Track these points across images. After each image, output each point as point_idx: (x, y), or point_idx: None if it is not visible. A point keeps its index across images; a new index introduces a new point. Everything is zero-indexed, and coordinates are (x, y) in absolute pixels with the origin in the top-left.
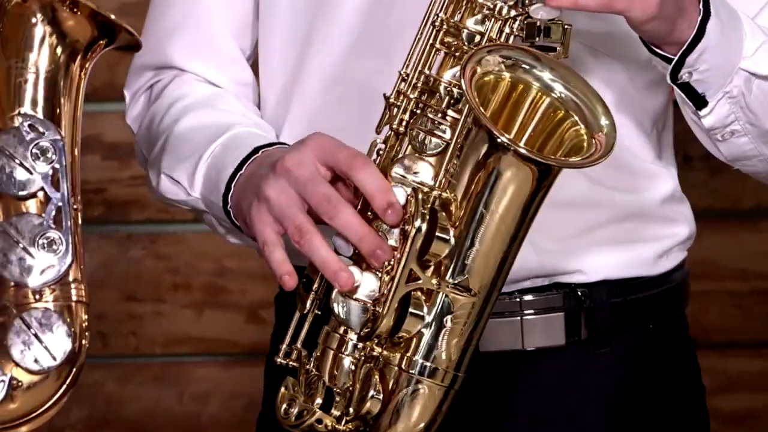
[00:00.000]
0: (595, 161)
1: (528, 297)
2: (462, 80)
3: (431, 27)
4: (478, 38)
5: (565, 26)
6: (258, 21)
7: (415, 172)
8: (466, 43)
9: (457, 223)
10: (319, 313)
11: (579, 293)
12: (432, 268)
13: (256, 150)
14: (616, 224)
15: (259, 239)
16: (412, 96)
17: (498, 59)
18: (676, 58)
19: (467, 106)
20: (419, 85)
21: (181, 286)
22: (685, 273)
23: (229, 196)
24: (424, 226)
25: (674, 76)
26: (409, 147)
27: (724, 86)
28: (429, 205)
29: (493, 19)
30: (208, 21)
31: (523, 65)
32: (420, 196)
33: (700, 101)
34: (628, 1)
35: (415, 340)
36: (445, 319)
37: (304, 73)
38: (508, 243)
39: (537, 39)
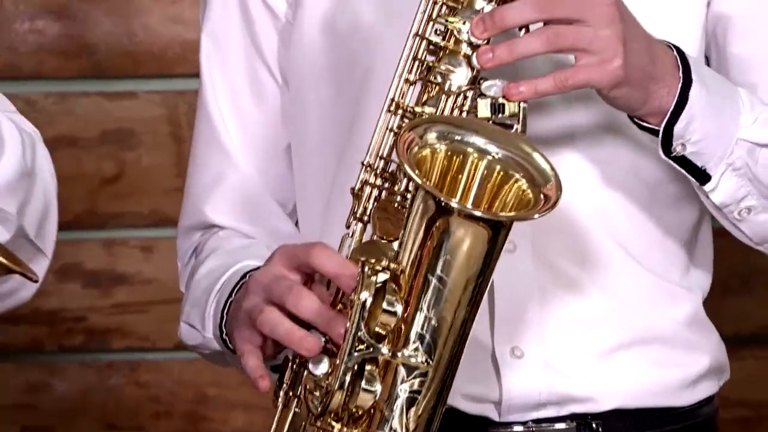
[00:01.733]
0: (542, 213)
1: (540, 426)
2: (397, 153)
3: (389, 113)
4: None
5: (522, 105)
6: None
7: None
8: None
9: (409, 293)
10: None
11: (594, 425)
12: (386, 338)
13: (245, 275)
14: (634, 346)
15: (238, 352)
16: (376, 183)
17: (436, 132)
18: (661, 127)
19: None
20: (379, 171)
21: (162, 414)
22: (713, 409)
23: (223, 324)
24: (369, 298)
25: (667, 150)
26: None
27: (725, 158)
28: (373, 276)
29: (445, 97)
30: (242, 177)
31: (462, 135)
32: (366, 268)
33: (702, 175)
34: (585, 73)
35: (375, 413)
36: (400, 389)
37: (333, 223)
38: (465, 308)
39: (492, 116)
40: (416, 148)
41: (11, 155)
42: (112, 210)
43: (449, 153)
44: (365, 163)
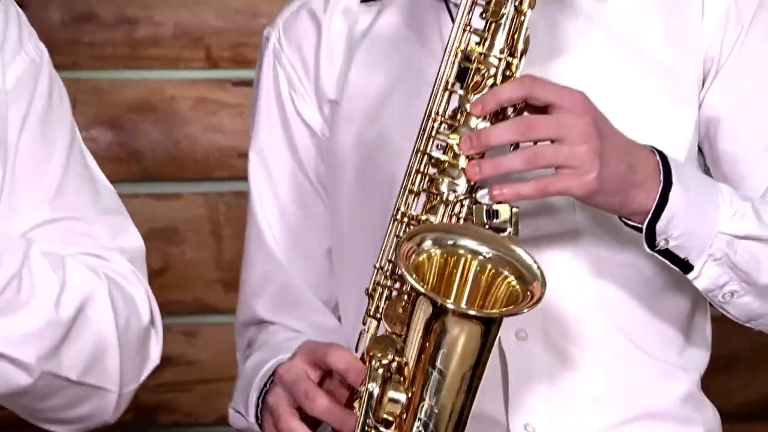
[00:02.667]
0: (530, 307)
1: None
2: (397, 260)
3: (396, 222)
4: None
5: (513, 208)
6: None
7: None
8: None
9: (412, 383)
10: None
11: None
12: (393, 425)
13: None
14: (635, 422)
15: None
16: (386, 284)
17: (432, 238)
18: (644, 225)
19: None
20: (388, 274)
21: None
22: None
23: (259, 411)
24: (376, 388)
25: (652, 244)
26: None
27: (705, 250)
28: (380, 368)
29: (444, 206)
30: (287, 277)
31: (454, 239)
32: (374, 361)
33: (685, 266)
34: (563, 182)
35: None
36: None
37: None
38: (464, 395)
39: (487, 222)
40: (414, 255)
41: (38, 306)
42: (159, 299)
43: (444, 256)
44: (376, 266)
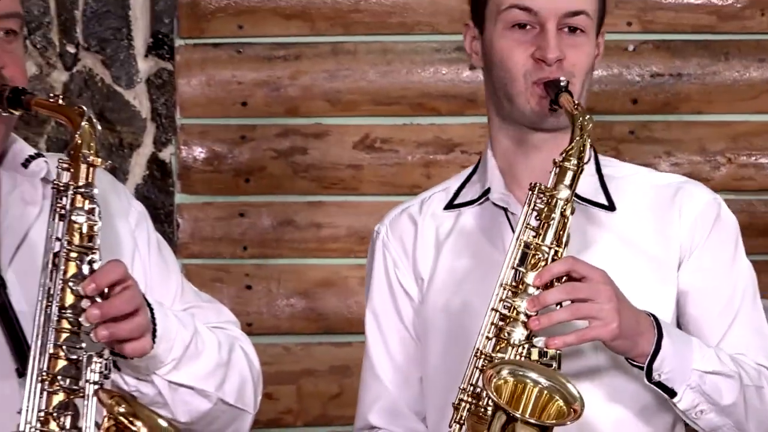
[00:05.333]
0: (573, 420)
1: None
2: (484, 384)
3: (475, 358)
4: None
5: (558, 351)
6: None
7: None
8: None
9: None
10: None
11: None
12: None
13: None
14: None
15: None
16: (468, 400)
17: (507, 370)
18: (645, 365)
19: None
20: (470, 393)
21: None
22: None
23: None
24: None
25: (649, 378)
26: None
27: (685, 381)
28: None
29: (510, 347)
30: (391, 398)
31: (523, 372)
32: None
33: (671, 392)
34: (594, 332)
35: None
36: None
37: (444, 427)
38: None
39: (541, 359)
40: (494, 380)
41: (209, 354)
42: (336, 413)
43: (515, 382)
44: (461, 387)
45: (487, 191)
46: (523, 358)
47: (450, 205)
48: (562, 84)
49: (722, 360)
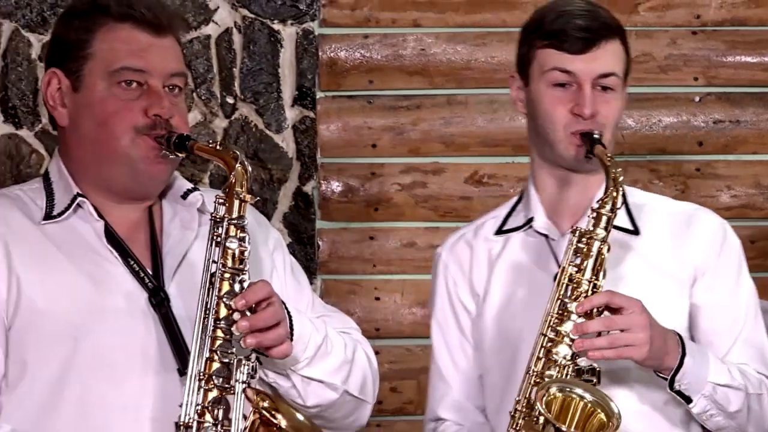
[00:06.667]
0: (614, 430)
1: None
2: (536, 400)
3: (528, 375)
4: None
5: (598, 368)
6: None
7: None
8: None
9: None
10: None
11: None
12: None
13: None
14: None
15: None
16: (523, 410)
17: (556, 387)
18: (669, 377)
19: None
20: (524, 405)
21: None
22: None
23: None
24: None
25: (671, 387)
26: None
27: (701, 391)
28: None
29: (555, 366)
30: (455, 394)
31: (570, 389)
32: None
33: (689, 400)
34: (629, 353)
35: None
36: None
37: (503, 420)
38: None
39: (583, 375)
40: (545, 397)
41: (337, 353)
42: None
43: (563, 398)
44: (516, 399)
45: (530, 220)
46: (567, 376)
47: (499, 231)
48: (595, 137)
49: (732, 374)
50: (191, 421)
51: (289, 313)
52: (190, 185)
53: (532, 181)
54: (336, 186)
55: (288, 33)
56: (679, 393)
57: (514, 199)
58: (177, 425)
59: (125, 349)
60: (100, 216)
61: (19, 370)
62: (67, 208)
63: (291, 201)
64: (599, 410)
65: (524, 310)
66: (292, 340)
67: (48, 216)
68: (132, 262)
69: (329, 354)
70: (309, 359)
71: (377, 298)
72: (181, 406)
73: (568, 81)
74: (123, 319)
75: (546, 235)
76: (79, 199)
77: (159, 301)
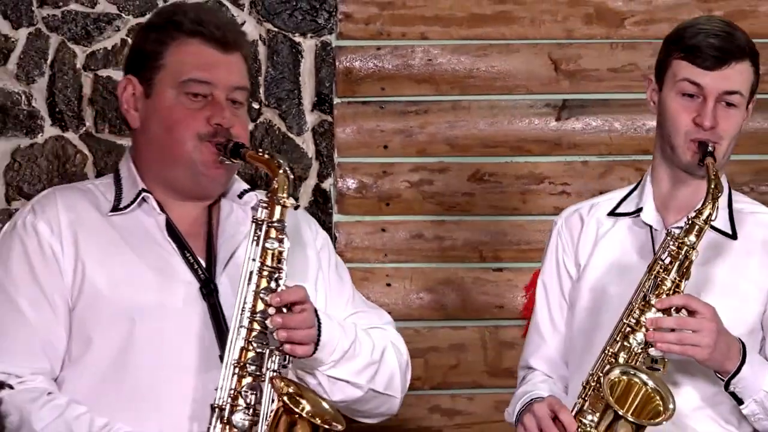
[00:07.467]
0: (666, 420)
1: None
2: (602, 380)
3: (603, 356)
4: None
5: (666, 359)
6: None
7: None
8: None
9: None
10: None
11: None
12: None
13: (531, 401)
14: None
15: None
16: (593, 384)
17: (622, 370)
18: (726, 379)
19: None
20: (594, 380)
21: None
22: None
23: (515, 420)
24: None
25: (727, 388)
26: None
27: (753, 396)
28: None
29: (628, 351)
30: (547, 348)
31: (635, 374)
32: (578, 428)
33: (741, 402)
34: (692, 352)
35: None
36: None
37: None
38: None
39: (653, 364)
40: (609, 379)
41: (364, 355)
42: (455, 380)
43: (627, 380)
44: (590, 373)
45: (640, 209)
46: (637, 363)
47: (612, 213)
48: (709, 149)
49: None
50: (225, 404)
51: (319, 320)
52: (246, 186)
53: (650, 173)
54: (351, 183)
55: (308, 45)
56: (733, 394)
57: (631, 186)
58: (212, 407)
59: (176, 332)
60: (162, 210)
61: (83, 347)
62: (132, 202)
63: (311, 197)
64: (658, 398)
65: (615, 287)
66: (317, 346)
67: (115, 208)
68: (188, 254)
69: (356, 357)
70: (335, 362)
71: (388, 285)
72: (216, 389)
73: (695, 93)
74: (176, 305)
75: (650, 226)
76: (144, 194)
77: (209, 291)
